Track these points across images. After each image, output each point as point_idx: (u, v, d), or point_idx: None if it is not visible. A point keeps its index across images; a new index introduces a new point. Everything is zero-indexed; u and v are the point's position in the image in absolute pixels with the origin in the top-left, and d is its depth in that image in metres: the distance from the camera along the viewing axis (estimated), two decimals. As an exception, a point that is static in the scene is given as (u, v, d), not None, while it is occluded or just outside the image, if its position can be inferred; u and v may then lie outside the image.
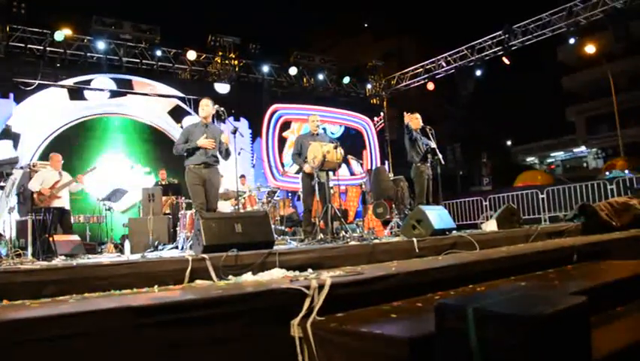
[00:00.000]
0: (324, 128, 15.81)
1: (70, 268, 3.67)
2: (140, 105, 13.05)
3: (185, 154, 6.38)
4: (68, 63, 12.37)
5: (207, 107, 6.55)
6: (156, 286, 3.56)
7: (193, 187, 6.31)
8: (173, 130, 13.28)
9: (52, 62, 12.14)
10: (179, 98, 13.42)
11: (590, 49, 22.71)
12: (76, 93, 12.12)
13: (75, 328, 2.34)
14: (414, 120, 8.30)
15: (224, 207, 9.24)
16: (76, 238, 7.73)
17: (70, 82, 12.10)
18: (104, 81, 12.60)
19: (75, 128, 12.07)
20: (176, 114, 13.50)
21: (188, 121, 13.21)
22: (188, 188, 6.42)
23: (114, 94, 12.68)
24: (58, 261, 5.81)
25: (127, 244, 8.34)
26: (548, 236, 6.99)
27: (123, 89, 12.84)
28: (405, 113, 8.41)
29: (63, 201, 8.40)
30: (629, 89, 30.59)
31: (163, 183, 10.66)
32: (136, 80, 13.04)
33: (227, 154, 6.57)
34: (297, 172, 8.39)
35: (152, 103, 13.22)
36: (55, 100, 11.92)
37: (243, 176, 11.56)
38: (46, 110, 11.72)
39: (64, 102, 12.00)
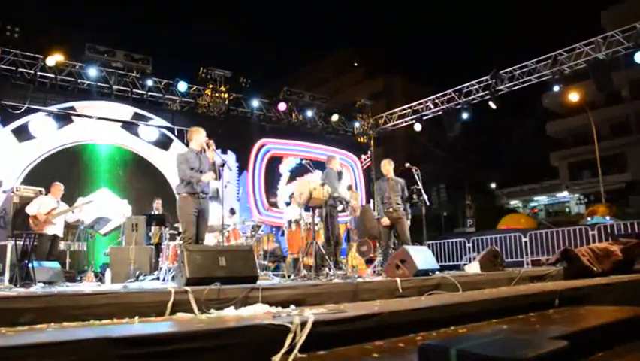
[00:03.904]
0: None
1: (49, 296, 3.61)
2: (94, 128, 12.39)
3: (183, 182, 6.21)
4: (58, 88, 12.36)
5: (203, 137, 6.45)
6: (137, 318, 3.52)
7: (187, 217, 6.09)
8: (135, 144, 12.90)
9: (42, 86, 12.11)
10: (168, 129, 13.39)
11: (574, 97, 23.36)
12: (22, 135, 11.41)
13: (51, 358, 2.29)
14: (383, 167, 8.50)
15: (208, 239, 9.18)
16: (55, 265, 7.61)
17: (57, 107, 11.99)
18: (43, 118, 11.76)
19: (43, 164, 11.54)
20: (130, 127, 12.91)
21: (144, 130, 13.01)
22: (181, 217, 6.18)
23: (61, 125, 11.94)
24: (37, 288, 5.71)
25: (108, 273, 8.25)
26: (530, 280, 7.03)
27: (65, 118, 12.07)
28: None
29: (57, 229, 8.74)
30: (610, 137, 31.32)
31: (154, 212, 10.52)
32: (78, 104, 12.34)
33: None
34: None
35: (103, 122, 12.54)
36: (4, 144, 11.23)
37: (232, 211, 11.45)
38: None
39: (13, 147, 11.30)
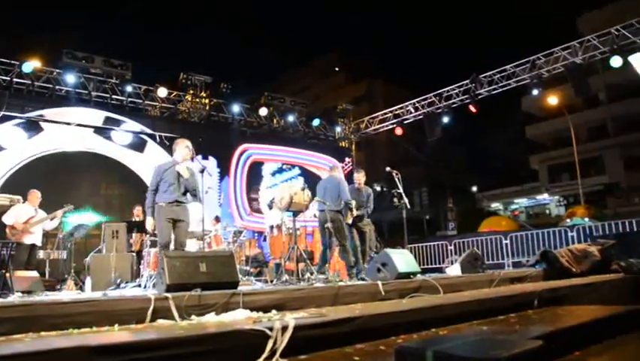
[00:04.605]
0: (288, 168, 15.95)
1: (27, 305, 3.56)
2: (66, 135, 12.10)
3: (155, 191, 6.17)
4: (35, 95, 12.18)
5: (186, 149, 6.35)
6: (117, 326, 3.49)
7: (163, 224, 6.05)
8: (109, 149, 12.65)
9: (18, 93, 11.92)
10: (149, 135, 13.28)
11: (553, 100, 23.70)
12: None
13: (29, 368, 2.27)
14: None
15: (190, 245, 9.12)
16: (34, 274, 7.49)
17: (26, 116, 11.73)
18: (11, 128, 11.42)
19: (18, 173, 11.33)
20: (103, 131, 12.62)
21: (117, 134, 12.77)
22: (157, 225, 6.16)
23: (31, 134, 11.63)
24: (15, 298, 5.63)
25: (88, 281, 8.16)
26: (511, 281, 7.11)
27: (35, 127, 11.75)
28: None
29: (35, 238, 8.60)
30: (588, 140, 31.81)
31: (135, 219, 10.38)
32: (47, 112, 12.02)
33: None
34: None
35: (74, 129, 12.21)
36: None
37: (217, 218, 11.37)
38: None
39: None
